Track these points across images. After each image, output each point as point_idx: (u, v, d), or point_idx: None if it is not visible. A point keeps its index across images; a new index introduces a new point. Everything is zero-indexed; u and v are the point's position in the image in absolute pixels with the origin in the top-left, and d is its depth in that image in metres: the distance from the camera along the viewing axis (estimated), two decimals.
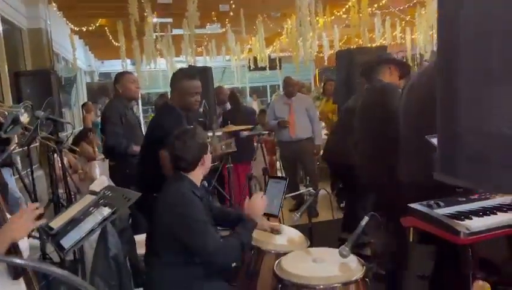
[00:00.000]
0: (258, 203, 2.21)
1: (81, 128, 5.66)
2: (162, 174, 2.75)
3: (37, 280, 1.59)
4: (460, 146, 0.85)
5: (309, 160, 5.26)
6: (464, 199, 1.71)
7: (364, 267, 1.93)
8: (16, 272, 1.42)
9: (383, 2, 8.14)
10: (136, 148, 3.35)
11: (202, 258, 1.99)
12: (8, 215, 1.53)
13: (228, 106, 5.42)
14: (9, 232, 1.39)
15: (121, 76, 3.77)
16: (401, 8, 9.17)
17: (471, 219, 1.53)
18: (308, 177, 3.71)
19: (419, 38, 10.12)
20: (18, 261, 0.60)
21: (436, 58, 0.92)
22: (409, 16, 9.68)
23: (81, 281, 0.59)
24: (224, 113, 5.27)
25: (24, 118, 2.59)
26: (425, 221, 1.58)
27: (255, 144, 5.34)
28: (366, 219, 1.92)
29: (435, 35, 8.80)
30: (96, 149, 5.70)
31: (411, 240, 1.74)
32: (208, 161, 2.21)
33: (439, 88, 0.91)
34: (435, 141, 1.71)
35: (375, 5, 8.28)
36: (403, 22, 10.48)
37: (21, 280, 1.52)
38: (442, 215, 1.55)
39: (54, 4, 6.98)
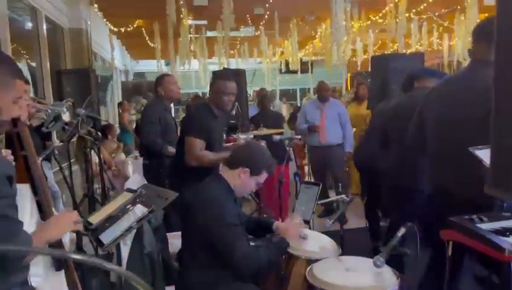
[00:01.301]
0: (293, 228, 2.24)
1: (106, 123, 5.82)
2: (190, 167, 2.84)
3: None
4: None
5: (339, 166, 5.19)
6: (509, 215, 1.64)
7: (399, 278, 1.89)
8: (59, 265, 1.48)
9: (422, 7, 7.97)
10: (171, 150, 3.43)
11: (227, 262, 1.98)
12: (54, 211, 1.59)
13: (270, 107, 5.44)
14: (48, 231, 1.43)
15: (162, 78, 3.85)
16: (440, 13, 8.94)
17: None
18: (340, 184, 3.66)
19: (457, 44, 9.84)
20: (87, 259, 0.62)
21: (494, 68, 0.89)
22: (448, 22, 9.43)
23: (135, 277, 0.61)
24: (252, 117, 5.28)
25: (66, 116, 2.71)
26: (467, 235, 1.53)
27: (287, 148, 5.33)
28: (402, 229, 1.88)
29: None
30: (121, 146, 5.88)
31: (449, 253, 1.69)
32: (245, 183, 2.14)
33: (494, 98, 0.88)
34: (479, 153, 1.65)
35: (413, 10, 8.11)
36: (441, 28, 10.22)
37: (62, 271, 1.58)
38: (485, 230, 1.50)
39: (95, 5, 7.21)
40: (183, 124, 3.15)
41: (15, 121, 1.50)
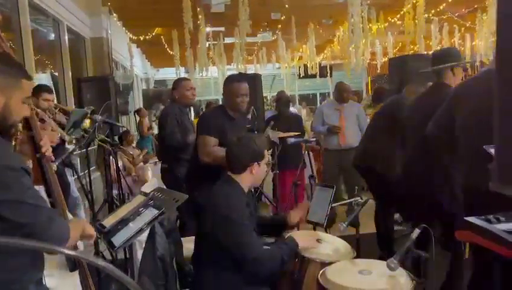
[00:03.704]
0: (300, 213, 2.27)
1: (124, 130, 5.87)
2: (204, 167, 2.86)
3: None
4: None
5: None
6: None
7: (414, 281, 1.84)
8: (73, 265, 1.51)
9: (441, 7, 7.82)
10: (193, 138, 3.46)
11: (241, 264, 1.99)
12: (69, 215, 1.63)
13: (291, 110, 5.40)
14: (82, 222, 1.56)
15: (178, 83, 3.90)
16: (460, 13, 8.76)
17: None
18: (356, 187, 3.59)
19: (479, 45, 9.63)
20: (69, 252, 0.63)
21: (495, 62, 0.86)
22: (469, 22, 9.23)
23: (126, 278, 0.61)
24: (267, 119, 5.26)
25: (84, 122, 2.77)
26: (483, 236, 1.48)
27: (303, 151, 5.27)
28: (417, 231, 1.84)
29: None
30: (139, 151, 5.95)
31: (466, 256, 1.63)
32: (259, 173, 2.19)
33: (496, 92, 0.85)
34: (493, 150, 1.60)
35: (432, 11, 7.97)
36: (462, 28, 10.01)
37: (76, 273, 1.61)
38: (503, 231, 1.45)
39: (114, 14, 7.37)
40: (197, 125, 3.18)
41: (29, 125, 1.55)
